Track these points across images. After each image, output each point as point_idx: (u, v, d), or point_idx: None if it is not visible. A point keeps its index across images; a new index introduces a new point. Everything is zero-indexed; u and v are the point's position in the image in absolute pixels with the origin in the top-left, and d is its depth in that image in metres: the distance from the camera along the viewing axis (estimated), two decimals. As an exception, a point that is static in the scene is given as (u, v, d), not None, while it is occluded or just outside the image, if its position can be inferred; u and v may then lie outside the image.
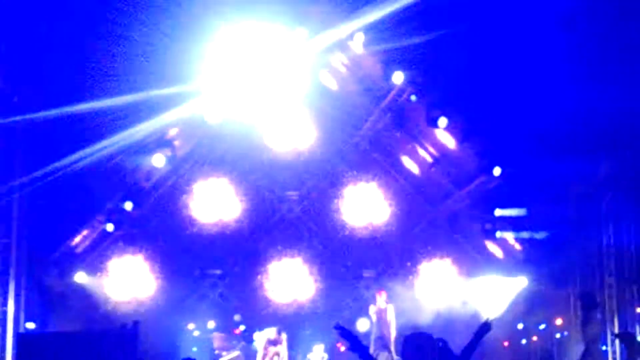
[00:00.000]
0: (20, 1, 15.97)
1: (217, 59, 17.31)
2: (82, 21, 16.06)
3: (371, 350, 16.61)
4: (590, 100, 16.86)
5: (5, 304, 16.94)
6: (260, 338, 17.28)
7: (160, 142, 18.36)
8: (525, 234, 19.91)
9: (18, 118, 16.17)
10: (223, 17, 16.87)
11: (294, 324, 18.60)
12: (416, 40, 16.35)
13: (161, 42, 16.43)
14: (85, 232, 19.49)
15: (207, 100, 17.62)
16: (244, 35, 17.23)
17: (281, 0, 16.69)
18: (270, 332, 17.09)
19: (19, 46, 16.46)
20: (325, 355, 17.28)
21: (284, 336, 17.14)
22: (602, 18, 16.03)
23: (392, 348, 16.42)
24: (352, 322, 19.12)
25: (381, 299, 17.12)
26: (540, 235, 19.60)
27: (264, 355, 16.84)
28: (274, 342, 16.97)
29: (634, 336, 16.19)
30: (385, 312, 16.85)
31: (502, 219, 19.97)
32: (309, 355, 17.20)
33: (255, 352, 17.31)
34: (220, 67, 17.38)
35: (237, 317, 19.24)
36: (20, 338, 15.39)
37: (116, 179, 18.74)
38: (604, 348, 17.41)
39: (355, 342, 6.73)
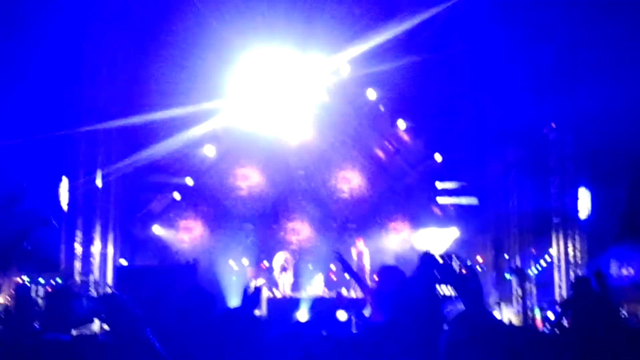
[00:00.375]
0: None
1: (242, 78, 17.57)
2: (154, 51, 16.27)
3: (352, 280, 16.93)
4: (502, 108, 17.26)
5: (105, 247, 17.32)
6: (276, 264, 17.56)
7: (211, 137, 18.57)
8: (460, 200, 20.03)
9: (117, 123, 16.44)
10: (246, 45, 17.04)
11: (300, 261, 18.84)
12: (384, 67, 16.65)
13: (204, 67, 16.66)
14: (160, 199, 19.80)
15: (238, 110, 17.90)
16: (263, 58, 17.46)
17: (292, 31, 16.69)
18: (281, 257, 17.54)
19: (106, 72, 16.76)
20: (321, 280, 17.41)
21: (291, 262, 17.50)
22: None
23: (367, 277, 16.73)
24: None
25: (360, 243, 17.46)
26: (472, 200, 19.82)
27: (279, 278, 17.23)
28: (284, 268, 17.33)
29: (523, 270, 16.57)
30: (362, 253, 17.20)
31: (442, 190, 20.20)
32: (311, 281, 17.33)
33: (275, 279, 17.64)
34: (245, 85, 17.65)
35: (262, 256, 19.32)
36: (118, 269, 15.70)
37: (181, 163, 19.11)
38: (507, 276, 17.76)
39: (346, 264, 7.24)
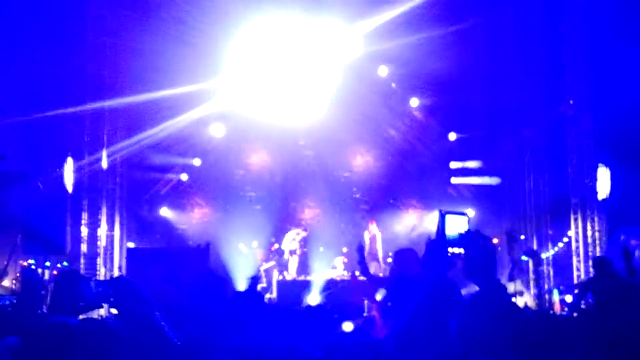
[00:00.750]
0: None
1: (250, 56, 17.44)
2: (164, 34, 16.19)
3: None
4: (518, 85, 17.14)
5: (112, 229, 17.35)
6: (287, 242, 17.64)
7: (219, 116, 18.43)
8: (477, 180, 19.83)
9: (122, 101, 16.35)
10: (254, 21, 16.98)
11: (312, 241, 18.80)
12: (397, 43, 16.51)
13: (211, 44, 16.58)
14: (167, 179, 19.76)
15: (246, 88, 17.83)
16: (273, 35, 17.33)
17: (303, 5, 16.76)
18: (292, 235, 17.65)
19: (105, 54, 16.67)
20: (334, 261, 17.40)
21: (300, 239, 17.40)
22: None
23: (380, 260, 16.75)
24: (354, 240, 19.36)
25: (373, 227, 17.45)
26: (492, 180, 19.64)
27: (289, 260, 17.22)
28: (293, 252, 17.34)
29: (537, 253, 16.45)
30: (375, 236, 17.19)
31: (457, 170, 20.05)
32: (331, 263, 17.24)
33: (285, 262, 17.62)
34: (254, 62, 17.55)
35: (273, 239, 19.35)
36: (129, 251, 15.72)
37: (188, 143, 18.98)
38: (524, 258, 17.62)
39: (362, 257, 7.19)
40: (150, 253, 12.69)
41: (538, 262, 15.91)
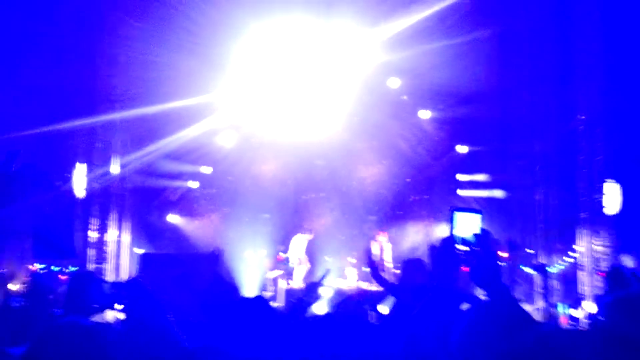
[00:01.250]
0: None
1: (261, 67, 17.63)
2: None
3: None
4: (529, 98, 17.16)
5: (121, 235, 17.44)
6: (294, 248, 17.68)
7: (230, 125, 18.57)
8: (484, 193, 19.76)
9: (134, 112, 16.45)
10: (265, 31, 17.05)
11: (319, 251, 18.88)
12: (408, 55, 16.59)
13: (222, 54, 16.69)
14: (177, 186, 19.83)
15: (256, 98, 17.99)
16: (284, 44, 17.45)
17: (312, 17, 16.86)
18: (299, 239, 17.62)
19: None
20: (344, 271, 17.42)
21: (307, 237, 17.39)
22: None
23: (388, 271, 16.74)
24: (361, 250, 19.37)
25: (381, 237, 17.46)
26: (497, 193, 19.64)
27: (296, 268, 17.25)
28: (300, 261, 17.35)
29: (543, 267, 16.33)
30: (384, 248, 17.20)
31: (465, 182, 20.03)
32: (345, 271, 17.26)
33: (291, 270, 17.63)
34: (264, 73, 17.72)
35: (280, 248, 19.38)
36: (142, 256, 15.73)
37: (198, 152, 19.06)
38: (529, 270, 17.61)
39: (374, 268, 7.21)
40: (162, 259, 12.73)
41: (545, 275, 15.86)
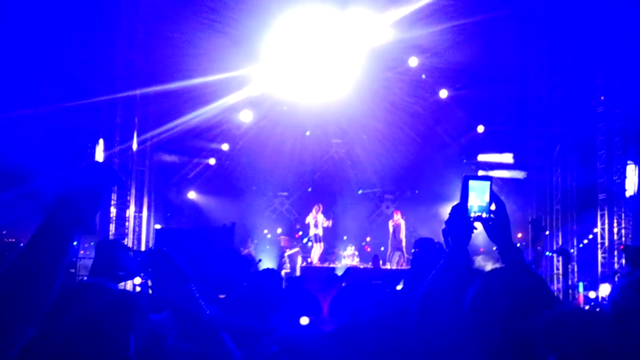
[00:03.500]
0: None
1: (280, 43, 17.56)
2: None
3: (388, 252, 17.10)
4: (549, 79, 17.09)
5: (140, 211, 17.63)
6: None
7: (247, 102, 18.65)
8: (504, 173, 19.82)
9: (154, 89, 16.60)
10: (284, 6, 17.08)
11: (337, 230, 18.99)
12: (427, 32, 16.58)
13: (246, 36, 16.75)
14: (195, 163, 20.04)
15: (276, 75, 18.00)
16: (303, 21, 17.43)
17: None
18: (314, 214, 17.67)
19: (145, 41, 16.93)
20: (356, 252, 17.46)
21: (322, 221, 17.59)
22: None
23: (404, 249, 16.86)
24: (378, 229, 19.52)
25: (397, 216, 17.58)
26: (519, 174, 19.65)
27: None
28: (318, 239, 17.45)
29: (566, 250, 16.28)
30: (400, 226, 17.31)
31: (483, 162, 20.02)
32: (343, 253, 17.39)
33: (308, 248, 17.78)
34: (284, 50, 17.68)
35: (298, 226, 19.55)
36: (158, 231, 15.91)
37: (217, 128, 19.20)
38: (548, 254, 17.62)
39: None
40: (177, 233, 12.84)
41: (568, 260, 15.82)
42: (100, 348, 2.61)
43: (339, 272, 15.23)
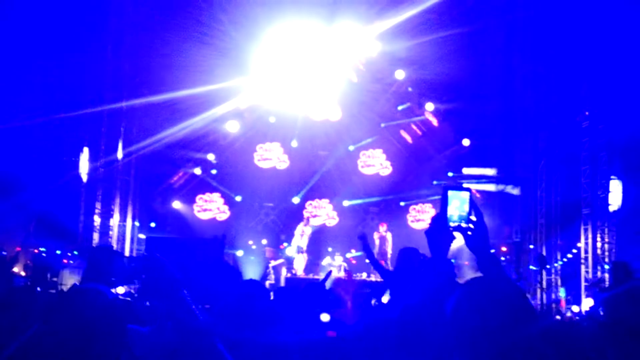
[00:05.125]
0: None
1: (268, 55, 17.70)
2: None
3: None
4: (535, 94, 17.24)
5: (124, 220, 17.62)
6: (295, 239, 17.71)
7: (234, 113, 18.69)
8: (487, 187, 19.90)
9: (141, 100, 16.58)
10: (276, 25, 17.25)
11: (322, 241, 19.01)
12: (414, 45, 16.70)
13: (234, 48, 16.82)
14: (180, 174, 20.06)
15: (263, 87, 18.07)
16: (293, 38, 17.53)
17: (319, 5, 17.03)
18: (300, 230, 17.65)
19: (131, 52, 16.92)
20: (344, 265, 17.44)
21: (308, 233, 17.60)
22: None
23: (389, 262, 16.87)
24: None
25: (383, 228, 17.62)
26: (512, 189, 19.68)
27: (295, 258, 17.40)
28: (300, 250, 17.43)
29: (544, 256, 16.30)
30: (385, 238, 17.34)
31: (468, 176, 20.08)
32: (330, 261, 17.35)
33: (292, 260, 17.76)
34: (272, 62, 17.77)
35: (283, 237, 19.55)
36: (148, 239, 15.84)
37: (204, 139, 19.24)
38: (532, 268, 17.70)
39: (367, 247, 7.38)
40: (168, 242, 12.81)
41: (544, 264, 15.87)
42: (95, 351, 2.65)
43: (327, 284, 15.31)
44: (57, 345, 2.49)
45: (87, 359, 2.62)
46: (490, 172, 19.71)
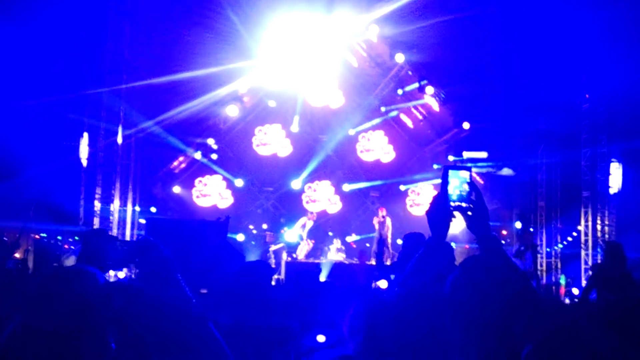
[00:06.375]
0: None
1: (268, 39, 17.59)
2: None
3: (373, 248, 17.09)
4: (535, 76, 17.15)
5: (125, 205, 17.58)
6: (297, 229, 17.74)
7: (233, 97, 18.64)
8: (487, 169, 19.80)
9: (140, 83, 16.51)
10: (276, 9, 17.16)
11: (322, 226, 18.96)
12: (413, 29, 16.61)
13: (234, 31, 16.73)
14: (181, 159, 19.99)
15: (263, 71, 18.01)
16: (293, 22, 17.45)
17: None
18: (301, 222, 17.70)
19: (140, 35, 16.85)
20: (343, 247, 17.42)
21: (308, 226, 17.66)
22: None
23: (389, 247, 16.87)
24: (362, 226, 19.58)
25: (382, 213, 17.58)
26: (509, 172, 19.60)
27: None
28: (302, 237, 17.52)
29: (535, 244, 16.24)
30: (384, 223, 17.31)
31: (469, 159, 20.01)
32: (330, 246, 17.35)
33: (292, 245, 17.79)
34: (272, 46, 17.69)
35: (282, 220, 19.59)
36: (148, 220, 15.79)
37: (203, 123, 19.16)
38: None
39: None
40: (169, 224, 12.69)
41: (535, 252, 15.81)
42: (86, 332, 2.63)
43: (325, 268, 15.32)
44: (48, 326, 2.47)
45: (78, 339, 2.59)
46: (482, 155, 19.65)
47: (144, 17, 16.60)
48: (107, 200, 16.86)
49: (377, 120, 20.48)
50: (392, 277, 7.75)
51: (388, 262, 16.11)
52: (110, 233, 15.94)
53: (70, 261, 14.74)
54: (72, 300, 2.58)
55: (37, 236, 16.05)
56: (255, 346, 3.54)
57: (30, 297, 2.73)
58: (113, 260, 3.81)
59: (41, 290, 2.67)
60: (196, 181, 20.16)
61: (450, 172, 2.52)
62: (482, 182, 18.84)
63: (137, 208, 18.28)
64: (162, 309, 2.89)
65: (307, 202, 20.35)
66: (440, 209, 2.50)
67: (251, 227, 19.35)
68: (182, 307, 2.95)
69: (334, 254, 17.06)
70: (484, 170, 19.69)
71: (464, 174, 2.52)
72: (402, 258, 6.96)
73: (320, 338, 4.79)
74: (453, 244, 7.77)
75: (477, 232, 2.47)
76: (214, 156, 19.99)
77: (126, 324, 2.70)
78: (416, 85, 18.98)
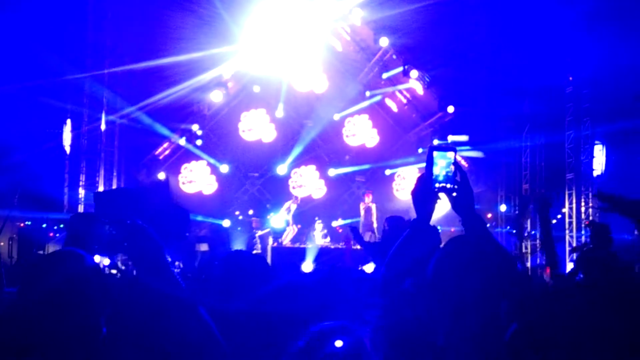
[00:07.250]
0: None
1: (252, 23, 17.42)
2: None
3: (360, 231, 17.11)
4: (518, 59, 17.16)
5: (108, 193, 17.42)
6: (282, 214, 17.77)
7: (217, 82, 18.53)
8: (470, 153, 19.79)
9: (123, 68, 16.36)
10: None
11: (308, 212, 18.97)
12: (397, 12, 16.54)
13: (218, 16, 16.60)
14: (165, 145, 19.81)
15: (247, 56, 17.91)
16: (276, 6, 17.33)
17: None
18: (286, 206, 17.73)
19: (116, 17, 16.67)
20: (325, 231, 17.45)
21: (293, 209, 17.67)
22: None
23: (376, 232, 16.90)
24: (349, 210, 19.58)
25: (368, 198, 17.64)
26: (479, 154, 19.61)
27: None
28: (288, 222, 17.55)
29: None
30: (370, 208, 17.37)
31: (454, 142, 20.01)
32: (314, 233, 17.37)
33: (278, 230, 17.82)
34: (256, 31, 17.57)
35: (268, 206, 19.59)
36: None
37: (188, 109, 19.01)
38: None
39: (358, 235, 7.35)
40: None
41: (520, 235, 15.96)
42: (75, 315, 2.59)
43: (310, 254, 15.35)
44: (38, 307, 2.43)
45: (68, 321, 2.55)
46: (462, 138, 19.67)
47: (125, 1, 16.45)
48: (91, 187, 16.74)
49: (361, 105, 20.45)
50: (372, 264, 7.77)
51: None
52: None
53: (53, 249, 14.67)
54: (60, 283, 2.54)
55: (21, 224, 15.92)
56: (263, 334, 3.52)
57: (18, 283, 2.69)
58: (100, 243, 3.75)
59: (28, 273, 2.63)
60: (182, 167, 20.02)
61: (436, 153, 2.50)
62: (466, 165, 18.85)
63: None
64: (151, 293, 2.86)
65: (294, 188, 20.32)
66: (426, 190, 2.48)
67: (237, 213, 19.30)
68: (171, 292, 2.92)
69: (320, 239, 17.10)
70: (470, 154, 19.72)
71: (450, 155, 2.50)
72: (384, 241, 6.97)
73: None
74: (439, 227, 7.77)
75: (462, 212, 2.46)
76: (199, 142, 19.81)
77: (117, 309, 2.67)
78: (400, 69, 18.95)
